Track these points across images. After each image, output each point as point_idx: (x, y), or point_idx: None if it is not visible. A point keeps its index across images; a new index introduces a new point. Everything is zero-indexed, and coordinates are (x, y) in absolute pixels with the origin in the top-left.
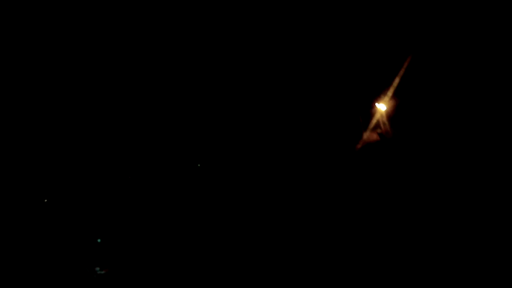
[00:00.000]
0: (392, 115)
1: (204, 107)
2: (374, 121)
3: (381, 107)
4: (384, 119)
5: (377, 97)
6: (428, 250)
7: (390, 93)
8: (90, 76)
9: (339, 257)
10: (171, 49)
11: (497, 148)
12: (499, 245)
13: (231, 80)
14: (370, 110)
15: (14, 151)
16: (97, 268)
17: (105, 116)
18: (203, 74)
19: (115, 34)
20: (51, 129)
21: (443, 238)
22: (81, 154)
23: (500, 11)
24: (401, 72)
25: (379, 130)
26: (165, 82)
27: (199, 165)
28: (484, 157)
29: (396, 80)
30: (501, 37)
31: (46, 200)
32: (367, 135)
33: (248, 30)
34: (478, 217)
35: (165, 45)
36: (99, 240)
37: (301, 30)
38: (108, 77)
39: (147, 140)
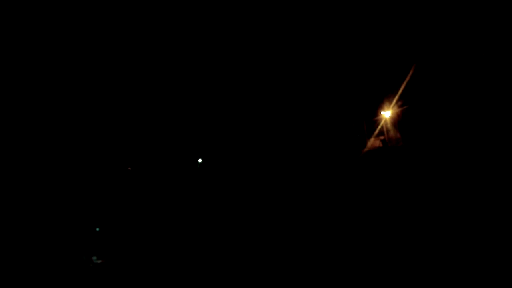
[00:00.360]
0: (395, 123)
1: (206, 105)
2: (378, 128)
3: (385, 114)
4: (388, 126)
5: (381, 104)
6: (429, 252)
7: (394, 100)
8: (91, 75)
9: (341, 258)
10: (171, 48)
11: (500, 155)
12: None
13: (240, 87)
14: (374, 118)
15: (17, 142)
16: (94, 257)
17: (107, 111)
18: (204, 73)
19: (115, 34)
20: (53, 121)
21: (443, 240)
22: (81, 145)
23: (501, 21)
24: (406, 81)
25: (382, 137)
26: (165, 79)
27: (200, 160)
28: (487, 163)
29: (401, 88)
30: (503, 46)
31: (48, 188)
32: (371, 142)
33: (257, 36)
34: (479, 221)
35: (166, 45)
36: (97, 229)
37: (307, 38)
38: (109, 75)
39: (147, 133)
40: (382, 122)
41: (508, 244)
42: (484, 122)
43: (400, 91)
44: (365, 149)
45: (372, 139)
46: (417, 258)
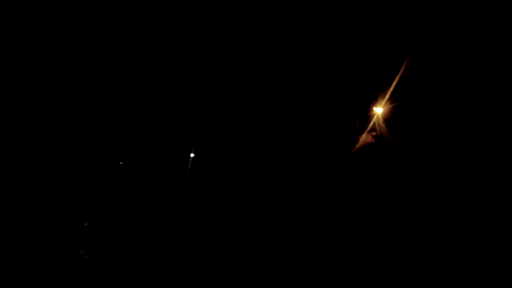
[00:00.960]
0: (387, 119)
1: (197, 100)
2: (370, 124)
3: (378, 110)
4: (380, 122)
5: (374, 100)
6: (423, 250)
7: (386, 96)
8: (85, 72)
9: (335, 256)
10: (161, 42)
11: (493, 152)
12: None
13: (226, 80)
14: (366, 113)
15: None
16: (82, 252)
17: (98, 104)
18: (197, 67)
19: (115, 34)
20: (44, 117)
21: (437, 237)
22: (71, 139)
23: (498, 21)
24: (398, 76)
25: (374, 133)
26: (157, 72)
27: (192, 155)
28: (481, 160)
29: (393, 84)
30: (497, 44)
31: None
32: (363, 138)
33: (245, 35)
34: (472, 217)
35: (155, 39)
36: (85, 224)
37: (299, 35)
38: (98, 70)
39: (140, 128)
40: (374, 118)
41: (500, 242)
42: (475, 119)
43: (392, 88)
44: (358, 145)
45: (364, 135)
46: (412, 256)
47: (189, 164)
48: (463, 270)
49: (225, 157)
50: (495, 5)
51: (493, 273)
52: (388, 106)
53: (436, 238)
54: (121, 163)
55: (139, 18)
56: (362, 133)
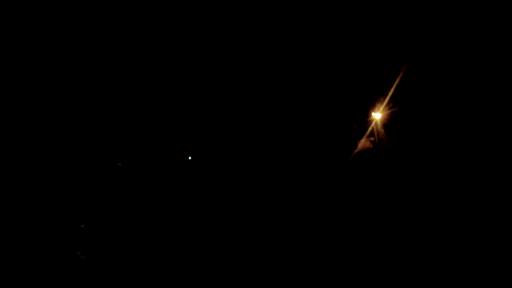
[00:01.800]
0: (386, 124)
1: (195, 102)
2: (368, 129)
3: (376, 115)
4: (379, 127)
5: (372, 105)
6: (420, 254)
7: (385, 102)
8: (83, 73)
9: (333, 259)
10: (159, 42)
11: (491, 158)
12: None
13: (224, 84)
14: (365, 119)
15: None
16: (79, 253)
17: (97, 104)
18: (195, 68)
19: (115, 34)
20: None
21: (434, 242)
22: (68, 140)
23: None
24: (396, 82)
25: (372, 138)
26: (155, 73)
27: (190, 157)
28: (479, 165)
29: (391, 90)
30: (495, 50)
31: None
32: (361, 143)
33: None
34: (469, 221)
35: (154, 39)
36: (82, 226)
37: (299, 40)
38: (101, 74)
39: (137, 130)
40: (372, 124)
41: (498, 246)
42: (473, 125)
43: (390, 93)
44: (356, 150)
45: (362, 140)
46: (410, 259)
47: (187, 166)
48: (459, 272)
49: (223, 162)
50: (493, 10)
51: (492, 275)
52: (387, 112)
53: (432, 243)
54: (119, 164)
55: (137, 18)
56: (360, 138)
